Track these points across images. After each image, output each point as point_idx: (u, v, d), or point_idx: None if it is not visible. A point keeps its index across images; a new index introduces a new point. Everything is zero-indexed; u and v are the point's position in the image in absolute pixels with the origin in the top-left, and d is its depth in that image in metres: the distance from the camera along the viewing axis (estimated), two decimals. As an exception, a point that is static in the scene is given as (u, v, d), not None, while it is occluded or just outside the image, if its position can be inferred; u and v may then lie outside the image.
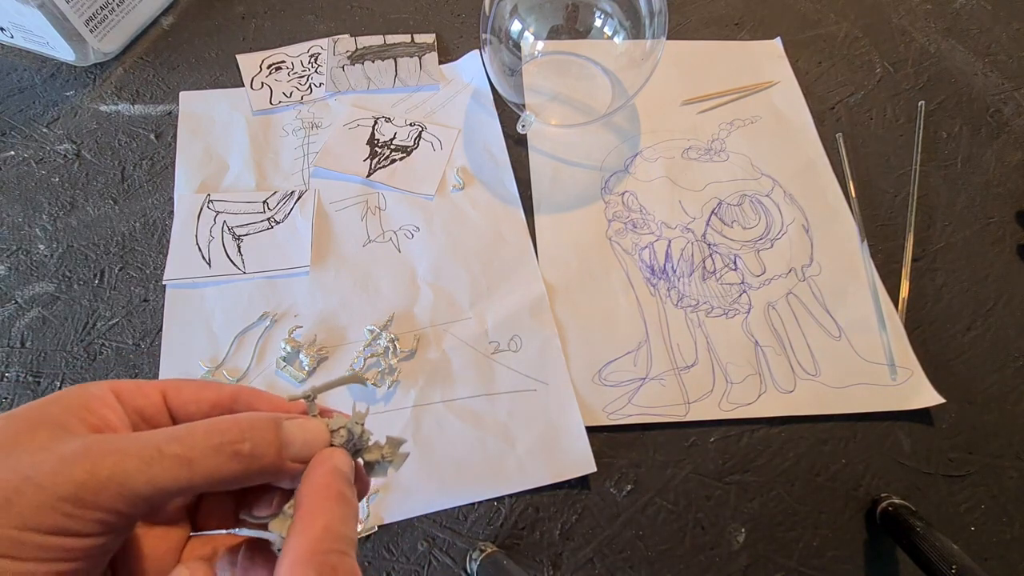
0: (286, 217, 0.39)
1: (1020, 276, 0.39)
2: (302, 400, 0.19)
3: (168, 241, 0.38)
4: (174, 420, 0.16)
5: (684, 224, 0.40)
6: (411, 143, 0.42)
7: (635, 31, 0.41)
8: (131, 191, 0.40)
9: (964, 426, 0.34)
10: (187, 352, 0.35)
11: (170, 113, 0.43)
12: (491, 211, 0.40)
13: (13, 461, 0.13)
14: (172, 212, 0.39)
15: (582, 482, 0.32)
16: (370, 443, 0.19)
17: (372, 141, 0.42)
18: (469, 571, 0.29)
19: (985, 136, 0.45)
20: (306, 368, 0.34)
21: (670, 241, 0.39)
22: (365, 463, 0.20)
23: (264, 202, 0.40)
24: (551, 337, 0.35)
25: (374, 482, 0.31)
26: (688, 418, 0.34)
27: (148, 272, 0.37)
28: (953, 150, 0.44)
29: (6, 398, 0.33)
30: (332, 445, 0.18)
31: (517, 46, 0.43)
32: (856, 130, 0.45)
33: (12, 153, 0.41)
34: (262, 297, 0.37)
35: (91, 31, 0.44)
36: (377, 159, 0.42)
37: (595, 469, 0.32)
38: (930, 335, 0.37)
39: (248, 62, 0.46)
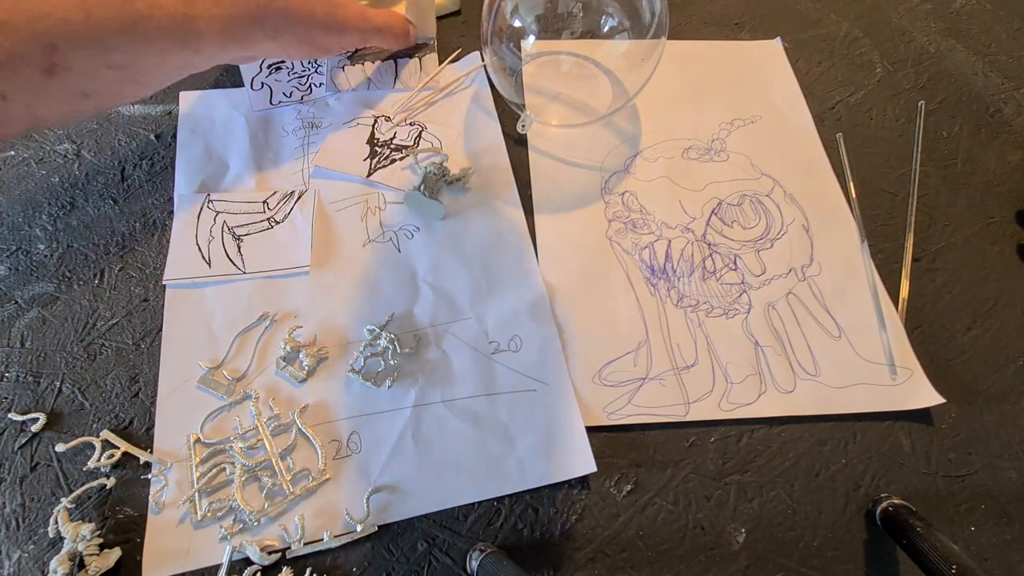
0: (286, 217, 0.39)
1: (1020, 276, 0.39)
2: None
3: (168, 241, 0.38)
4: None
5: (684, 224, 0.40)
6: (411, 143, 0.42)
7: (636, 31, 0.41)
8: (131, 191, 0.40)
9: (964, 426, 0.34)
10: (187, 352, 0.35)
11: (170, 113, 0.43)
12: (491, 211, 0.40)
13: None
14: (172, 212, 0.39)
15: (582, 482, 0.32)
16: (449, 173, 0.40)
17: (372, 140, 0.42)
18: (469, 571, 0.29)
19: (985, 136, 0.45)
20: (306, 368, 0.34)
21: (670, 241, 0.39)
22: (449, 184, 0.40)
23: (264, 202, 0.40)
24: (551, 337, 0.35)
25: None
26: (688, 418, 0.34)
27: (148, 272, 0.37)
28: (953, 150, 0.44)
29: (6, 398, 0.33)
30: (427, 172, 0.39)
31: (517, 46, 0.43)
32: (856, 130, 0.45)
33: (12, 153, 0.41)
34: (262, 297, 0.37)
35: (91, 31, 0.44)
36: (377, 159, 0.42)
37: (595, 469, 0.32)
38: (930, 335, 0.37)
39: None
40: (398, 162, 0.41)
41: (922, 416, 0.34)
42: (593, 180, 0.42)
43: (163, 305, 0.36)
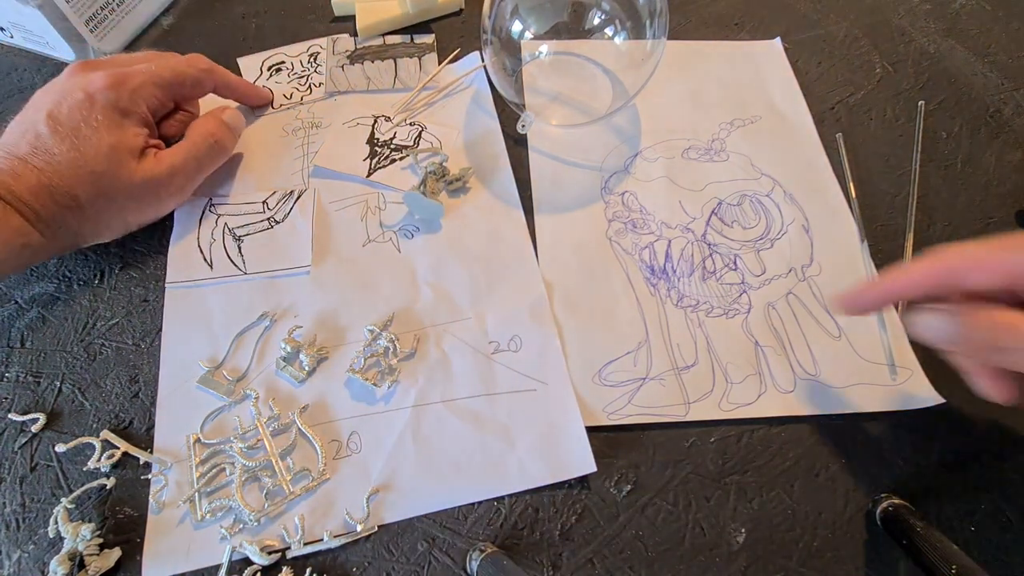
0: (286, 217, 0.39)
1: (1020, 276, 0.39)
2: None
3: (168, 241, 0.38)
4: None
5: (684, 224, 0.40)
6: (411, 143, 0.42)
7: (636, 31, 0.41)
8: (131, 191, 0.40)
9: (964, 426, 0.34)
10: (187, 352, 0.35)
11: (170, 113, 0.43)
12: (491, 211, 0.40)
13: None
14: (172, 213, 0.39)
15: (582, 482, 0.32)
16: (449, 173, 0.40)
17: (372, 140, 0.42)
18: (469, 571, 0.29)
19: (985, 136, 0.45)
20: (306, 368, 0.34)
21: (670, 241, 0.39)
22: (449, 184, 0.40)
23: (264, 202, 0.40)
24: (551, 337, 0.35)
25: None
26: (688, 418, 0.34)
27: (148, 272, 0.37)
28: (953, 150, 0.44)
29: (6, 398, 0.33)
30: (427, 172, 0.39)
31: (517, 46, 0.43)
32: (856, 130, 0.45)
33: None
34: (262, 297, 0.37)
35: (91, 31, 0.44)
36: (377, 159, 0.42)
37: (595, 469, 0.32)
38: (930, 335, 0.37)
39: (249, 64, 0.46)
40: (398, 162, 0.41)
41: (922, 416, 0.34)
42: (593, 180, 0.42)
43: (163, 305, 0.36)
